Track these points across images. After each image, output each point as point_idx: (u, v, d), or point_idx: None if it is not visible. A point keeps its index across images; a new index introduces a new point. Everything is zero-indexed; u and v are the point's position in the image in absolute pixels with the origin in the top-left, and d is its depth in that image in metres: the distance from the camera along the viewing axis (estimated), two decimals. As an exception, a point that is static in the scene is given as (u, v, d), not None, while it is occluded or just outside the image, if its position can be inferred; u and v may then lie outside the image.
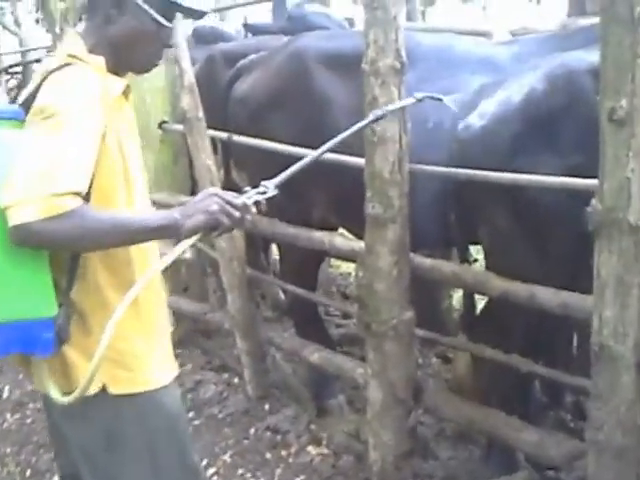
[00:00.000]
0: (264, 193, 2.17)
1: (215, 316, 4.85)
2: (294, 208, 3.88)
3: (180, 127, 4.71)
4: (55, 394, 2.11)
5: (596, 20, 3.62)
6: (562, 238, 2.96)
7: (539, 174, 2.77)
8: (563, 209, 2.82)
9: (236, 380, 4.73)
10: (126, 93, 2.22)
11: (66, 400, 2.07)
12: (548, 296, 2.81)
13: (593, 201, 2.37)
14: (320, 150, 2.47)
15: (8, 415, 4.83)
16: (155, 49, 2.22)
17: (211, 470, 3.88)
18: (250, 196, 2.14)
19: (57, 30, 6.32)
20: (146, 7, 2.11)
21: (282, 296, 5.59)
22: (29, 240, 1.86)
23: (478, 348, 3.25)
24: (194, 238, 2.05)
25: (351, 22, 6.07)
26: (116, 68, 2.17)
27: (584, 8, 4.32)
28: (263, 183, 2.20)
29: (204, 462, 3.90)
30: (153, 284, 2.23)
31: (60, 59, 2.08)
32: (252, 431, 4.19)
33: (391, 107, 2.86)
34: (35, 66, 12.18)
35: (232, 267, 4.24)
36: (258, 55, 4.34)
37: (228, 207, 2.05)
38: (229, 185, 4.68)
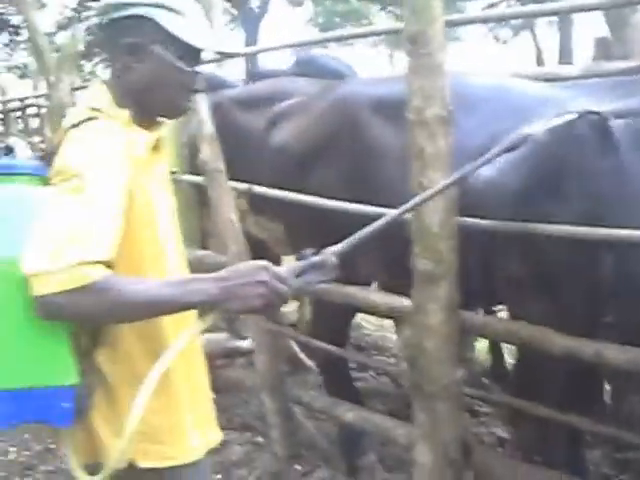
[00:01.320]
0: (321, 267, 1.91)
1: (235, 373, 4.69)
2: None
3: (193, 178, 4.60)
4: (79, 474, 2.00)
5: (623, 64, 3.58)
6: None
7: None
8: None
9: (260, 439, 4.58)
10: (158, 147, 2.11)
11: None
12: (615, 354, 2.68)
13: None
14: (397, 210, 2.28)
15: (17, 479, 4.67)
16: (180, 94, 2.09)
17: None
18: (304, 270, 1.91)
19: (52, 79, 6.26)
20: (162, 53, 2.00)
21: (297, 350, 5.47)
22: (53, 313, 1.74)
23: (530, 406, 3.11)
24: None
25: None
26: (144, 117, 2.07)
27: (609, 51, 4.24)
28: (323, 253, 1.95)
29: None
30: (187, 352, 2.07)
31: (82, 113, 1.98)
32: (285, 494, 4.03)
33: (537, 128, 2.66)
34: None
35: (260, 325, 4.10)
36: (295, 101, 4.21)
37: (275, 297, 1.83)
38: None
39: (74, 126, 1.93)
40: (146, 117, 2.08)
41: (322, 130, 3.78)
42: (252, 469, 4.29)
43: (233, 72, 7.51)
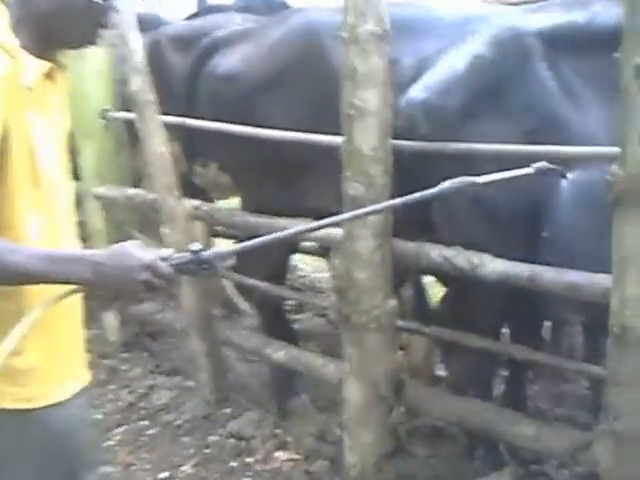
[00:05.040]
0: (203, 265, 1.84)
1: (165, 316, 4.55)
2: (284, 198, 3.63)
3: (125, 115, 4.42)
4: None
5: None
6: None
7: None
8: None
9: (190, 383, 4.45)
10: (53, 76, 1.98)
11: None
12: (551, 277, 2.58)
13: (612, 167, 2.17)
14: (295, 229, 2.30)
15: None
16: (86, 27, 1.97)
17: (172, 483, 3.63)
18: (182, 260, 1.82)
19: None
20: None
21: (231, 293, 5.36)
22: None
23: (468, 337, 3.04)
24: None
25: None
26: (43, 46, 1.93)
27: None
28: (206, 254, 1.85)
29: (163, 475, 3.64)
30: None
31: None
32: (213, 438, 3.92)
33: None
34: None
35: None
36: (237, 29, 4.02)
37: (152, 285, 1.78)
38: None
39: None
40: (44, 45, 1.95)
41: (281, 57, 3.57)
42: (180, 414, 4.17)
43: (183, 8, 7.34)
